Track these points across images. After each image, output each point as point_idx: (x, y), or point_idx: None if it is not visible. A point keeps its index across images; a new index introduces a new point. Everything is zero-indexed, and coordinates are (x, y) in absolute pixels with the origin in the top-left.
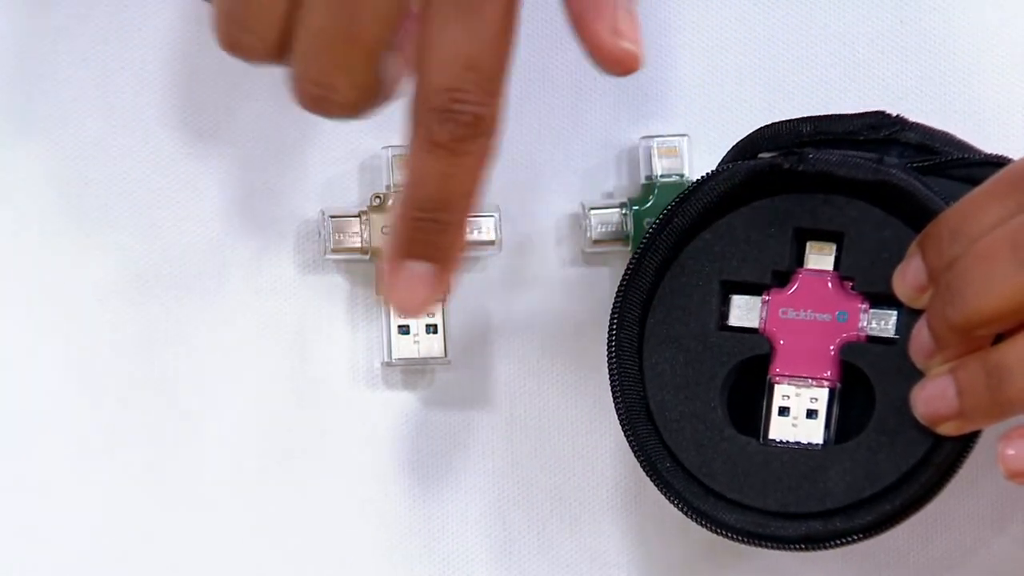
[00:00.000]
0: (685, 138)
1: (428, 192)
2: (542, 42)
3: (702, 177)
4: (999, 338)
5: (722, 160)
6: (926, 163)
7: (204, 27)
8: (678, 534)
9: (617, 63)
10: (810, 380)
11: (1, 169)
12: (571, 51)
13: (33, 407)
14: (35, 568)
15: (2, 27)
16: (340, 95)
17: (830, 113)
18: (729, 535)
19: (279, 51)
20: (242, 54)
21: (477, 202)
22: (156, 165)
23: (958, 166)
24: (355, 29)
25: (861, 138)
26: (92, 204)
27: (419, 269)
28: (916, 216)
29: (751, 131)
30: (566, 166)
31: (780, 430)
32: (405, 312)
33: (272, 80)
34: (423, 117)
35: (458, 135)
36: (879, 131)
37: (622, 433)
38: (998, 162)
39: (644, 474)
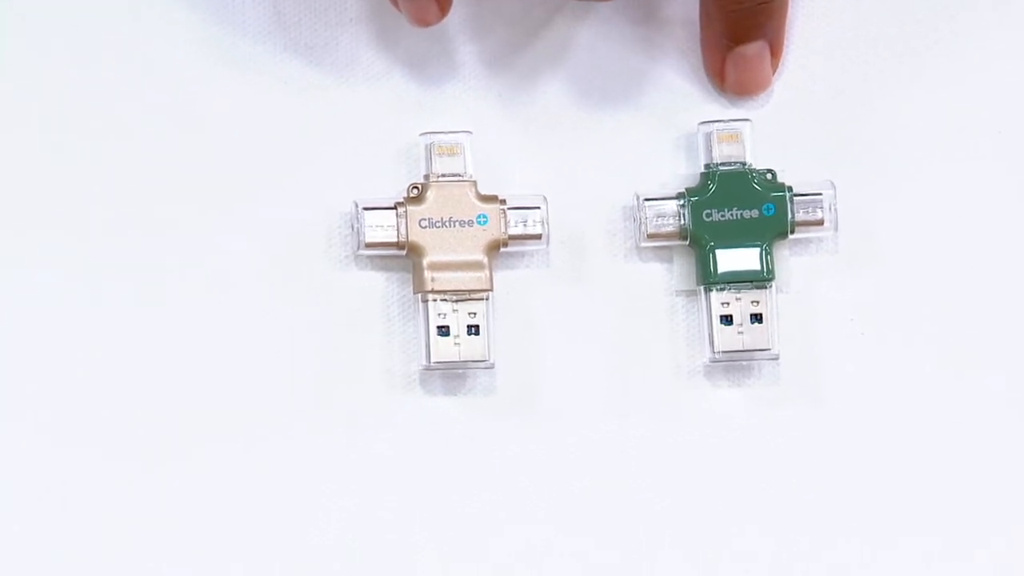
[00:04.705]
0: (747, 123)
1: None
2: (593, 20)
3: None
4: None
5: None
6: None
7: (230, 13)
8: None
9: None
10: None
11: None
12: (622, 25)
13: (57, 407)
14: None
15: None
16: None
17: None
18: None
19: None
20: None
21: None
22: (180, 154)
23: None
24: None
25: None
26: (115, 198)
27: (752, 49)
28: None
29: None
30: (619, 154)
31: None
32: (751, 93)
33: (302, 63)
34: None
35: None
36: None
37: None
38: None
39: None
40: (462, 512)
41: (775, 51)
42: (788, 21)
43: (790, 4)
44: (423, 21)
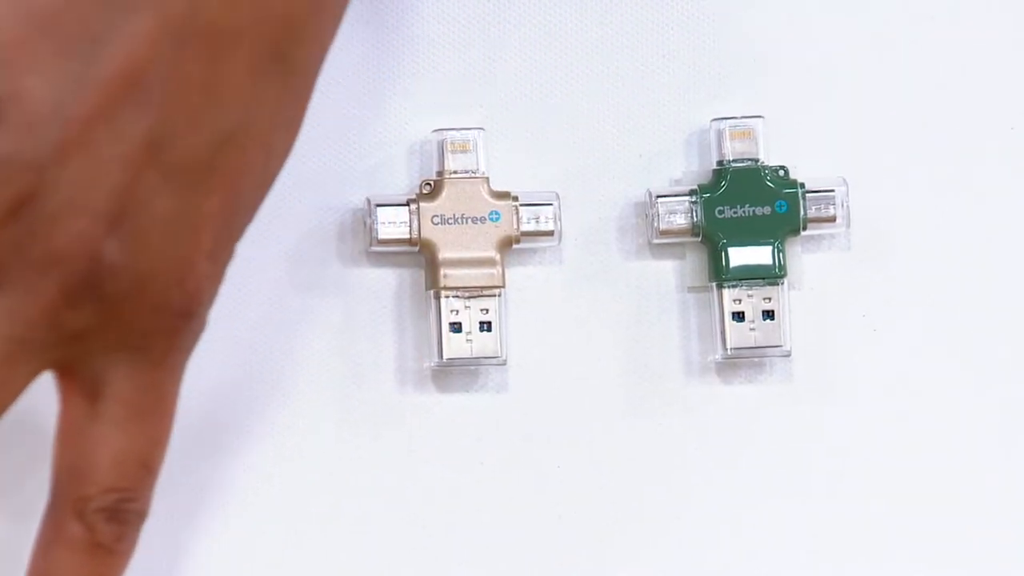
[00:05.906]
0: (760, 120)
1: None
2: (602, 12)
3: None
4: None
5: None
6: None
7: None
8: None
9: None
10: None
11: None
12: (634, 21)
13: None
14: None
15: None
16: None
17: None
18: None
19: None
20: None
21: None
22: None
23: None
24: None
25: None
26: None
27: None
28: None
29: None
30: (631, 150)
31: None
32: None
33: None
34: (86, 517)
35: (122, 533)
36: None
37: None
38: None
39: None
40: (474, 509)
41: None
42: None
43: None
44: None
